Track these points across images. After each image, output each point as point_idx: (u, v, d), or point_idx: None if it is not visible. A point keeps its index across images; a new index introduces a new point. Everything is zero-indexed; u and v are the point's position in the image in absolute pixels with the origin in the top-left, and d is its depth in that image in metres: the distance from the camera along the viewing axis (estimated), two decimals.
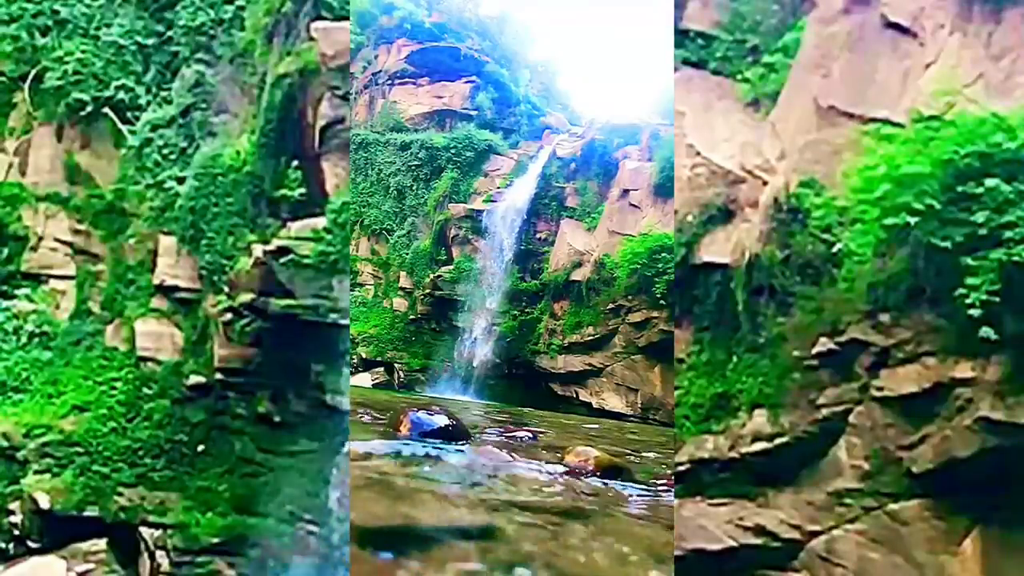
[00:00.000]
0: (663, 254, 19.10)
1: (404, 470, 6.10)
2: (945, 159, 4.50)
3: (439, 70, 29.25)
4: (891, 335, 4.76)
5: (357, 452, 6.81)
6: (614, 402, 22.07)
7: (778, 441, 5.30)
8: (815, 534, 5.12)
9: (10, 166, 9.77)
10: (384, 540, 3.99)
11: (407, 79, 29.42)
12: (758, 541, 5.34)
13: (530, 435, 9.73)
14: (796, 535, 5.19)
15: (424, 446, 7.04)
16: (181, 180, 9.27)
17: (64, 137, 9.78)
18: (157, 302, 9.41)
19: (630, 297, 20.93)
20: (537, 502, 5.24)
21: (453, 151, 27.39)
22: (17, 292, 9.65)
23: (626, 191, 22.76)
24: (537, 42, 60.06)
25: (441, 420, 8.75)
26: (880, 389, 4.82)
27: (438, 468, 6.27)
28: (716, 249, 6.34)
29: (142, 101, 9.58)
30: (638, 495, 6.10)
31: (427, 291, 26.33)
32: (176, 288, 9.33)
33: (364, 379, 25.85)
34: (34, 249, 9.74)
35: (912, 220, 4.56)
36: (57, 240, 9.78)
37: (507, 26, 33.07)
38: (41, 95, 9.79)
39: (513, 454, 7.19)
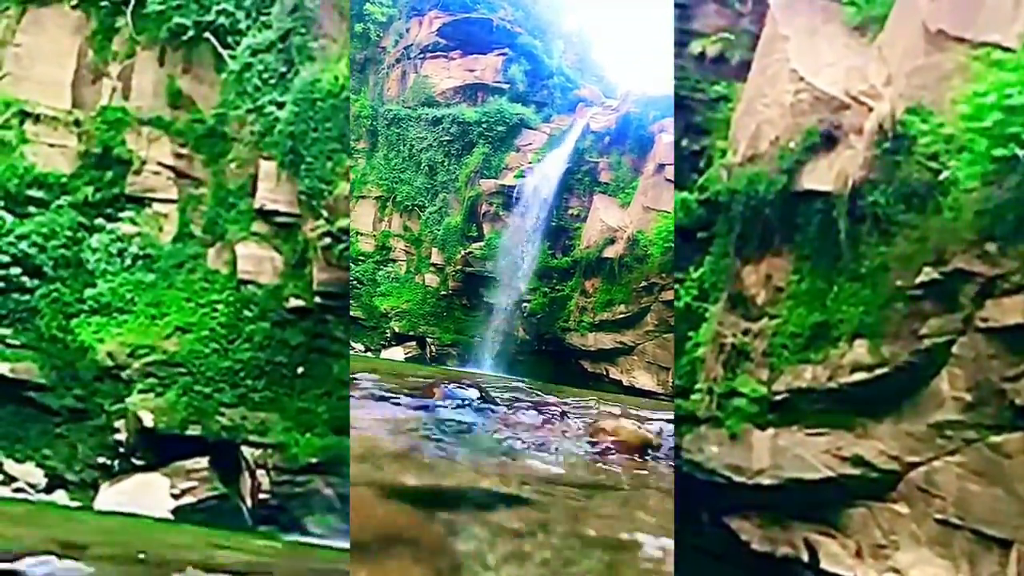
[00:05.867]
0: None
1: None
2: None
3: (471, 42, 28.83)
4: (997, 265, 4.61)
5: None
6: (645, 380, 22.09)
7: (878, 371, 5.19)
8: (914, 465, 5.04)
9: (114, 90, 9.83)
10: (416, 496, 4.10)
11: (439, 52, 29.11)
12: (856, 471, 5.28)
13: (559, 411, 9.87)
14: (895, 466, 5.12)
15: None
16: (281, 105, 9.30)
17: (166, 62, 9.84)
18: (257, 226, 9.45)
19: (664, 275, 20.87)
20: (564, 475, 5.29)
21: (484, 126, 27.24)
22: (121, 215, 9.69)
23: (662, 166, 22.59)
24: (571, 12, 57.66)
25: (472, 393, 8.99)
26: (984, 320, 4.67)
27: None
28: (818, 176, 6.16)
29: (242, 26, 9.62)
30: (664, 469, 6.13)
31: (458, 267, 26.42)
32: (276, 212, 9.37)
33: (397, 353, 25.98)
34: (137, 173, 9.78)
35: (1022, 153, 4.45)
36: (160, 164, 9.82)
37: None
38: (143, 20, 9.84)
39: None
